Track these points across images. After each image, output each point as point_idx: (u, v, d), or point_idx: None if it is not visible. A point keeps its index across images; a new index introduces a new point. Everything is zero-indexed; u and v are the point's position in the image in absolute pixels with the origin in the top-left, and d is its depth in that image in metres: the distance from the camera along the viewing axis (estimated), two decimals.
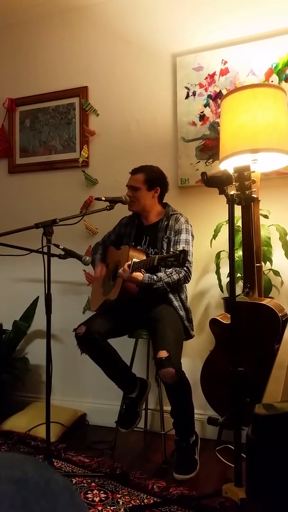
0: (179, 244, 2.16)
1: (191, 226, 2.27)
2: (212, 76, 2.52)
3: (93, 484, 1.93)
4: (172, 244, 2.19)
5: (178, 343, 2.07)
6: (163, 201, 2.39)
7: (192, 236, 2.26)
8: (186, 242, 2.18)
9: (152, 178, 2.28)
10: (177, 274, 2.11)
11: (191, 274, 2.17)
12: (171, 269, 2.10)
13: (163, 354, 1.92)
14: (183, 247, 2.10)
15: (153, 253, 2.24)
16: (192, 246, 2.22)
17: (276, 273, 2.22)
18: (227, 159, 2.03)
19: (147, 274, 2.09)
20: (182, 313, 2.17)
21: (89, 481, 1.96)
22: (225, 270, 2.23)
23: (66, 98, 2.94)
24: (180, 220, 2.24)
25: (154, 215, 2.33)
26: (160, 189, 2.31)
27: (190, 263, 2.16)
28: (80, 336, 2.10)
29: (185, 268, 2.11)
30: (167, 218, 2.28)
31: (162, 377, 1.95)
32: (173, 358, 1.92)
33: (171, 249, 2.13)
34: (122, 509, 1.72)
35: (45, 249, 1.89)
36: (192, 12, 2.60)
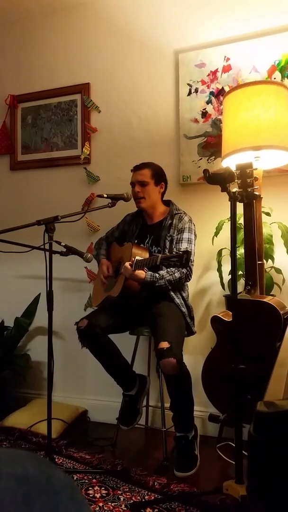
0: (181, 243, 2.16)
1: (194, 225, 2.27)
2: (214, 73, 2.51)
3: (94, 480, 1.94)
4: (174, 242, 2.19)
5: (180, 336, 2.08)
6: (167, 199, 2.39)
7: (195, 235, 2.25)
8: (188, 241, 2.18)
9: (158, 173, 2.29)
10: (178, 273, 2.11)
11: (192, 272, 2.17)
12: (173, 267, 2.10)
13: (165, 345, 1.92)
14: (186, 247, 2.10)
15: (156, 252, 2.24)
16: (194, 245, 2.22)
17: (278, 270, 2.22)
18: (229, 156, 2.03)
19: (149, 272, 2.09)
20: (184, 309, 2.17)
21: (90, 477, 1.96)
22: (226, 267, 2.23)
23: (68, 95, 2.94)
24: (184, 219, 2.24)
25: (158, 214, 2.33)
26: (164, 185, 2.32)
27: (191, 262, 2.16)
28: (82, 329, 2.11)
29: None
30: (171, 217, 2.27)
31: (163, 368, 1.94)
32: (174, 349, 1.92)
33: (174, 249, 2.13)
34: (123, 506, 1.73)
35: (47, 246, 1.89)
36: (194, 9, 2.59)
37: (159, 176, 2.29)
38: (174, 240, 2.21)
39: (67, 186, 2.94)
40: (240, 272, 2.13)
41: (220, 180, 1.56)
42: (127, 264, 2.08)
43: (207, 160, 2.52)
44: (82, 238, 2.82)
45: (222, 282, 2.29)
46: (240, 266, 2.05)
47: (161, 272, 2.11)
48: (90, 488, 1.87)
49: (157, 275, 2.09)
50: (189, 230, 2.21)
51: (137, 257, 2.06)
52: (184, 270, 2.12)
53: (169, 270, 2.11)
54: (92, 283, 2.77)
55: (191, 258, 2.15)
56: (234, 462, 1.55)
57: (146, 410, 2.55)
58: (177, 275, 2.11)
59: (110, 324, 2.12)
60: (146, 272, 2.08)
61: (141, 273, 2.07)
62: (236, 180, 1.62)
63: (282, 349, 1.30)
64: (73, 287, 2.88)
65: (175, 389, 2.02)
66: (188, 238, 2.19)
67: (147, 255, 2.15)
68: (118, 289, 2.19)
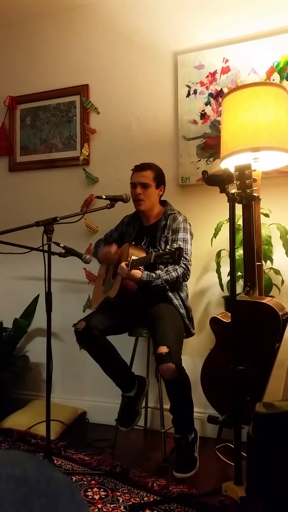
0: (176, 243, 2.16)
1: (189, 224, 2.27)
2: (213, 74, 2.51)
3: (93, 482, 1.93)
4: (169, 243, 2.19)
5: (179, 339, 2.07)
6: (163, 199, 2.39)
7: (191, 234, 2.26)
8: (184, 241, 2.18)
9: (160, 176, 2.29)
10: (175, 272, 2.11)
11: (189, 272, 2.17)
12: (170, 266, 2.11)
13: (163, 349, 1.92)
14: (179, 244, 2.11)
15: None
16: (190, 244, 2.22)
17: (277, 272, 2.22)
18: (228, 158, 2.03)
19: (146, 272, 2.09)
20: (182, 311, 2.17)
21: (89, 479, 1.96)
22: (225, 268, 2.23)
23: (67, 96, 2.94)
24: (178, 219, 2.24)
25: (154, 215, 2.33)
26: (163, 188, 2.32)
27: (188, 261, 2.16)
28: (80, 331, 2.10)
29: (183, 266, 2.11)
30: (165, 217, 2.28)
31: (162, 373, 1.95)
32: (173, 354, 1.92)
33: (168, 247, 2.13)
34: (122, 507, 1.73)
35: (46, 247, 1.89)
36: (193, 10, 2.59)
37: (160, 179, 2.29)
38: (169, 240, 2.21)
39: (66, 187, 2.94)
40: (239, 273, 2.13)
41: (219, 181, 1.57)
42: (123, 264, 2.08)
43: (206, 161, 2.53)
44: (81, 239, 2.82)
45: (221, 283, 2.30)
46: (239, 267, 2.05)
47: (158, 271, 2.11)
48: (89, 490, 1.86)
49: (153, 274, 2.09)
50: (184, 230, 2.21)
51: (132, 257, 2.06)
52: (181, 269, 2.12)
53: (166, 269, 2.11)
54: (91, 284, 2.77)
55: (187, 257, 2.15)
56: (233, 464, 1.55)
57: (145, 411, 2.55)
58: (173, 274, 2.11)
59: (108, 326, 2.12)
60: (142, 272, 2.08)
61: (137, 273, 2.07)
62: (235, 182, 1.62)
63: (281, 350, 1.30)
64: (72, 288, 2.88)
65: (174, 393, 2.02)
66: (184, 238, 2.19)
67: (144, 255, 2.15)
68: (115, 290, 2.19)
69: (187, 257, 2.15)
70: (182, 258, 2.06)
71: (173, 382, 1.96)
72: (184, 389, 2.03)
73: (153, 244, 2.27)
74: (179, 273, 2.12)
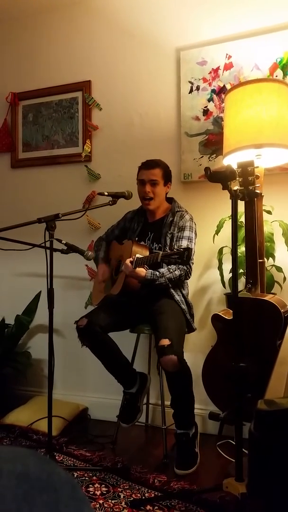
0: (181, 241, 2.16)
1: (195, 224, 2.27)
2: (216, 70, 2.50)
3: (94, 478, 1.94)
4: (175, 240, 2.19)
5: (180, 333, 2.07)
6: (170, 196, 2.38)
7: (196, 234, 2.25)
8: (189, 239, 2.18)
9: (168, 173, 2.28)
10: (178, 270, 2.11)
11: (192, 271, 2.17)
12: (173, 265, 2.10)
13: (165, 342, 1.92)
14: (186, 244, 2.10)
15: (157, 249, 2.24)
16: (194, 244, 2.22)
17: (279, 269, 2.22)
18: (231, 154, 2.02)
19: (150, 270, 2.08)
20: (184, 307, 2.17)
21: (91, 474, 1.97)
22: (227, 265, 2.23)
23: (69, 92, 2.93)
24: (185, 217, 2.24)
25: (160, 212, 2.33)
26: (170, 185, 2.31)
27: (191, 260, 2.16)
28: (81, 328, 2.11)
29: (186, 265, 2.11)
30: (173, 214, 2.27)
31: (163, 365, 1.94)
32: (175, 346, 1.92)
33: (175, 246, 2.12)
34: (123, 503, 1.73)
35: (48, 244, 1.89)
36: (196, 6, 2.58)
37: (167, 176, 2.28)
38: (174, 237, 2.21)
39: (68, 184, 2.94)
40: (241, 271, 2.13)
41: (221, 178, 1.56)
42: (127, 261, 2.07)
43: (209, 158, 2.52)
44: (83, 236, 2.82)
45: (222, 280, 2.29)
46: (241, 264, 2.05)
47: (162, 270, 2.11)
48: (90, 486, 1.87)
49: (157, 273, 2.09)
50: (190, 228, 2.21)
51: (137, 255, 2.06)
52: (185, 268, 2.12)
53: (169, 267, 2.11)
54: (93, 281, 2.77)
55: (191, 256, 2.15)
56: (234, 460, 1.56)
57: (146, 407, 2.55)
58: (177, 272, 2.11)
59: (110, 323, 2.12)
60: (146, 270, 2.08)
61: (141, 271, 2.06)
62: (237, 178, 1.62)
63: (283, 347, 1.30)
64: (74, 285, 2.88)
65: (175, 386, 2.02)
66: (189, 236, 2.19)
67: (147, 253, 2.15)
68: (118, 287, 2.19)
69: (191, 256, 2.15)
70: None
71: (175, 375, 1.96)
72: (185, 381, 2.02)
73: (158, 240, 2.27)
74: (183, 272, 2.12)
